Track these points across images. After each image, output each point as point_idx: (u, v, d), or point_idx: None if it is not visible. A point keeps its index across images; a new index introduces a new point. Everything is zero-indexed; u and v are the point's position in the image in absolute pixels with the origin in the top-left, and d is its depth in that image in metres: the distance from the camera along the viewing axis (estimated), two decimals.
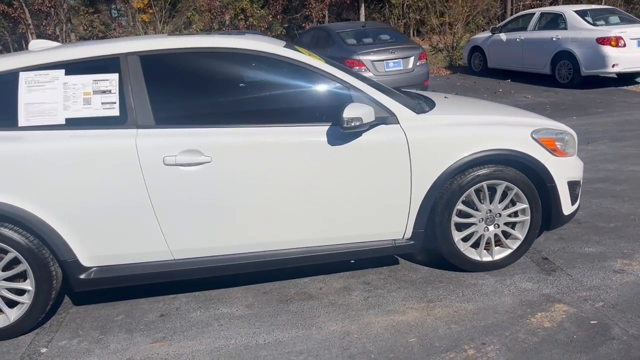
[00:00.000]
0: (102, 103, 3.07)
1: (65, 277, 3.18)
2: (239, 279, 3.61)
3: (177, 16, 23.87)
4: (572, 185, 3.57)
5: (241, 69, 3.29)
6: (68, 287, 3.23)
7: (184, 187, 3.07)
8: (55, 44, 3.58)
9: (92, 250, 3.10)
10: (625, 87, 10.87)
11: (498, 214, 3.47)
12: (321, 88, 3.27)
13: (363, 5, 28.42)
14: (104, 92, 3.08)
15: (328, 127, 3.19)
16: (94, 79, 3.09)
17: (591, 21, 10.99)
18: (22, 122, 3.02)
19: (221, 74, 3.26)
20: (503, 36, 12.80)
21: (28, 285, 3.07)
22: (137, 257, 3.17)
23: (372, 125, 3.17)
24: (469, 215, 3.45)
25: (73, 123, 3.04)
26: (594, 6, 11.85)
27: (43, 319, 3.25)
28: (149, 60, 3.14)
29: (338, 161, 3.19)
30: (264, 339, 2.98)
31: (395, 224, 3.36)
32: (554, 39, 11.24)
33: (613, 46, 10.32)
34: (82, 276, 3.12)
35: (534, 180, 3.45)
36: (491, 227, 3.50)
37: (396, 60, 9.70)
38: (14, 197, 2.94)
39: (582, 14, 11.16)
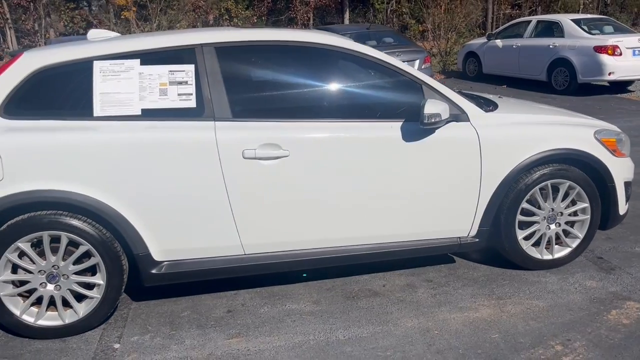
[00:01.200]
0: (179, 94, 3.01)
1: (134, 271, 3.10)
2: (299, 275, 3.58)
3: (160, 15, 23.62)
4: (627, 186, 3.65)
5: (316, 64, 3.26)
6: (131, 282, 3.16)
7: (262, 180, 3.03)
8: (113, 33, 3.51)
9: (164, 244, 3.04)
10: (620, 95, 11.15)
11: (560, 213, 3.52)
12: (394, 84, 3.27)
13: (347, 9, 28.58)
14: (180, 83, 3.02)
15: (401, 123, 3.19)
16: (170, 70, 3.03)
17: (587, 30, 11.24)
18: (97, 112, 2.94)
19: (296, 68, 3.23)
20: (499, 42, 13.00)
21: (99, 279, 2.99)
22: (208, 251, 3.11)
23: (446, 122, 3.18)
24: (532, 214, 3.48)
25: (149, 114, 2.98)
26: (589, 15, 12.13)
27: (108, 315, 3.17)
28: (224, 52, 3.09)
29: (411, 157, 3.19)
30: (343, 335, 2.95)
31: (462, 221, 3.38)
32: (550, 46, 11.45)
33: (610, 55, 10.57)
34: (153, 270, 3.05)
35: (595, 179, 3.51)
36: (552, 226, 3.54)
37: None
38: (90, 188, 2.86)
39: (578, 22, 11.41)
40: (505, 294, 3.31)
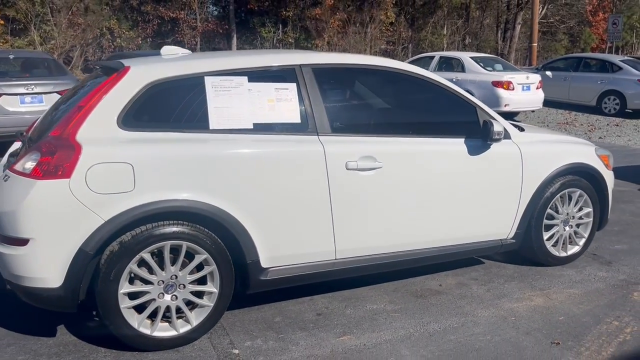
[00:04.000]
0: (285, 110, 3.23)
1: (241, 278, 3.20)
2: (356, 280, 3.81)
3: (30, 31, 22.27)
4: (611, 194, 4.45)
5: (397, 86, 3.65)
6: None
7: (359, 190, 3.33)
8: (184, 50, 3.62)
9: (271, 252, 3.19)
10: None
11: (572, 217, 4.21)
12: (458, 106, 3.75)
13: (235, 35, 28.93)
14: (285, 100, 3.24)
15: (464, 139, 3.67)
16: (275, 87, 3.24)
17: (483, 66, 12.73)
18: (213, 125, 3.07)
19: (381, 89, 3.61)
20: None
21: (212, 287, 3.07)
22: (306, 257, 3.32)
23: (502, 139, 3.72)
24: (553, 218, 4.12)
25: (260, 128, 3.16)
26: (482, 54, 13.71)
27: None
28: (320, 73, 3.37)
29: (473, 168, 3.68)
30: (437, 326, 3.31)
31: (504, 225, 3.92)
32: (454, 80, 12.75)
33: (505, 89, 12.07)
34: (261, 277, 3.19)
35: (595, 188, 4.24)
36: (567, 228, 4.21)
37: None
38: (214, 198, 2.97)
39: (476, 60, 12.89)
40: (544, 286, 3.88)
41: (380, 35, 30.46)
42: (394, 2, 29.79)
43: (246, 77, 3.19)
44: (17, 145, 3.75)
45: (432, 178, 3.55)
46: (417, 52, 29.98)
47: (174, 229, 2.91)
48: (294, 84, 3.29)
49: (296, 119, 3.24)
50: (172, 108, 3.06)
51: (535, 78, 12.72)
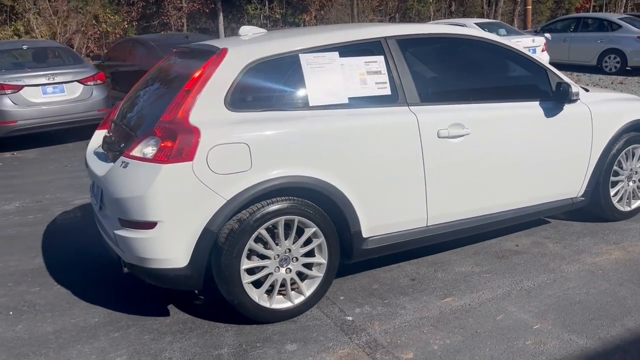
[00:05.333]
0: (376, 83, 3.30)
1: (344, 249, 3.30)
2: (436, 246, 3.92)
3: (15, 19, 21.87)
4: None
5: (477, 54, 3.75)
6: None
7: (450, 157, 3.42)
8: (262, 30, 3.67)
9: (371, 221, 3.29)
10: None
11: (636, 172, 4.34)
12: (531, 70, 3.84)
13: (221, 14, 28.58)
14: (375, 72, 3.31)
15: (538, 101, 3.77)
16: (365, 61, 3.30)
17: (488, 32, 12.77)
18: (312, 102, 3.13)
19: (462, 57, 3.69)
20: None
21: (321, 259, 3.17)
22: (401, 225, 3.42)
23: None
24: (618, 174, 4.25)
25: (354, 102, 3.23)
26: (486, 20, 13.76)
27: None
28: (405, 44, 3.44)
29: (549, 130, 3.79)
30: (531, 283, 3.45)
31: (576, 184, 4.05)
32: None
33: None
34: (363, 247, 3.29)
35: None
36: (630, 183, 4.35)
37: None
38: (322, 172, 3.05)
39: (480, 26, 12.93)
40: (617, 240, 4.04)
41: (368, 5, 30.30)
42: None
43: (337, 53, 3.25)
44: (99, 133, 3.79)
45: (513, 142, 3.66)
46: (405, 21, 29.89)
47: (287, 204, 2.99)
48: (382, 57, 3.35)
49: (387, 91, 3.31)
50: (272, 87, 3.12)
51: (540, 41, 12.82)
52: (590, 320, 3.01)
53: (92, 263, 3.96)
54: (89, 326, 3.16)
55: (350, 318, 3.14)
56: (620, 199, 4.34)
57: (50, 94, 8.28)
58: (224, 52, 3.07)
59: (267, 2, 28.87)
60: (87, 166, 3.52)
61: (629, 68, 13.87)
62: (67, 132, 8.80)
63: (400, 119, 3.27)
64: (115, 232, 2.95)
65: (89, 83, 8.57)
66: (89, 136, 3.97)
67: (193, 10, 28.46)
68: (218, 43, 3.30)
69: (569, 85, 3.69)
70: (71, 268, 3.93)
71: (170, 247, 2.85)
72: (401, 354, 2.78)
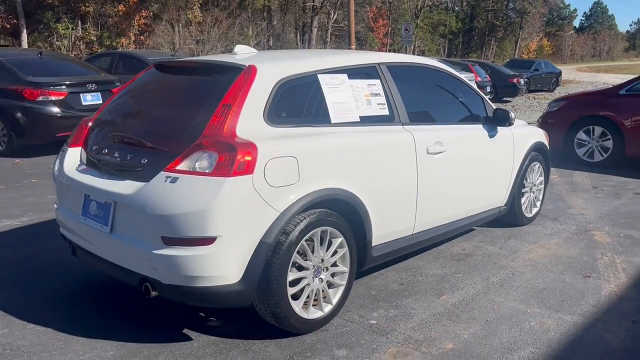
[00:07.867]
0: (378, 104, 3.62)
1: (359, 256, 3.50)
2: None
3: None
4: None
5: (440, 82, 4.28)
6: None
7: (434, 170, 3.87)
8: (252, 49, 3.78)
9: (378, 230, 3.55)
10: None
11: (534, 184, 5.26)
12: (472, 98, 4.50)
13: (24, 31, 26.05)
14: (376, 94, 3.63)
15: (481, 124, 4.44)
16: (368, 83, 3.61)
17: None
18: (333, 119, 3.34)
19: (434, 84, 4.18)
20: None
21: (344, 267, 3.34)
22: (397, 233, 3.75)
23: None
24: (524, 186, 5.12)
25: (364, 120, 3.51)
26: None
27: None
28: (393, 70, 3.82)
29: (490, 148, 4.48)
30: (498, 279, 4.01)
31: (502, 195, 4.79)
32: None
33: None
34: (373, 254, 3.55)
35: (545, 160, 5.36)
36: (532, 193, 5.26)
37: None
38: (350, 185, 3.26)
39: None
40: (534, 240, 4.85)
41: (189, 34, 30.18)
42: (200, 2, 29.73)
43: (346, 75, 3.51)
44: (73, 151, 3.49)
45: (471, 158, 4.25)
46: (227, 52, 30.32)
47: (323, 215, 3.12)
48: (379, 80, 3.69)
49: (386, 111, 3.65)
50: (300, 104, 3.25)
51: None
52: (562, 302, 3.65)
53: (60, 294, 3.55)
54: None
55: (374, 322, 3.35)
56: (526, 207, 5.21)
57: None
58: (253, 69, 3.12)
59: (79, 22, 27.06)
60: (75, 187, 3.23)
61: None
62: None
63: (403, 137, 3.63)
64: (155, 252, 2.79)
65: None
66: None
67: None
68: (242, 59, 3.31)
69: (508, 112, 4.42)
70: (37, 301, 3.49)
71: (226, 262, 2.79)
72: (443, 345, 3.09)
